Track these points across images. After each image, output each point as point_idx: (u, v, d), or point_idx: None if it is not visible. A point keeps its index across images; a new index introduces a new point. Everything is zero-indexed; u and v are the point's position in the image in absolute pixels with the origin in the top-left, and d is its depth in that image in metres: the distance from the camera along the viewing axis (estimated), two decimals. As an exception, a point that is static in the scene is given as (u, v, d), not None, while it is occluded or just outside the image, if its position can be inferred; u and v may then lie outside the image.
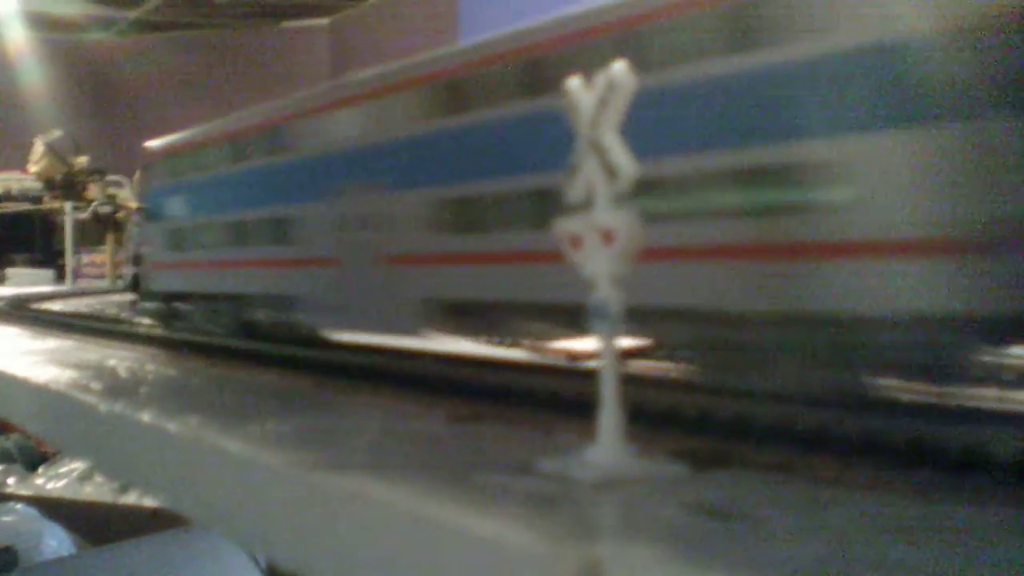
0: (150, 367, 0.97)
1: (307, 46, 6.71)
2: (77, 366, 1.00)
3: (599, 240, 0.47)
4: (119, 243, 4.41)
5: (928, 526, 0.38)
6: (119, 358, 1.07)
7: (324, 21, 6.72)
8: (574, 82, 0.50)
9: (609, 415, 0.47)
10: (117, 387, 0.82)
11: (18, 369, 0.98)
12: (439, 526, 0.42)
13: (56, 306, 2.16)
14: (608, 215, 0.47)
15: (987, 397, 0.58)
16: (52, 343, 1.32)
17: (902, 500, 0.41)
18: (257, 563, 2.33)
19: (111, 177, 4.79)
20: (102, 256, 4.40)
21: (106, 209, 4.45)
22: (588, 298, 0.48)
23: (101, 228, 4.44)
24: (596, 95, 0.49)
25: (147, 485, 0.72)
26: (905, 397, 0.56)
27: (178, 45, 6.81)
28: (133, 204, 4.53)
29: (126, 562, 2.28)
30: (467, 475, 0.48)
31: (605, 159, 0.48)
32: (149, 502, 2.80)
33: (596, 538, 0.37)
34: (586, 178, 0.49)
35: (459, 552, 0.41)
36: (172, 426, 0.65)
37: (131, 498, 2.89)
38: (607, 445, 0.47)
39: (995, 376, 0.64)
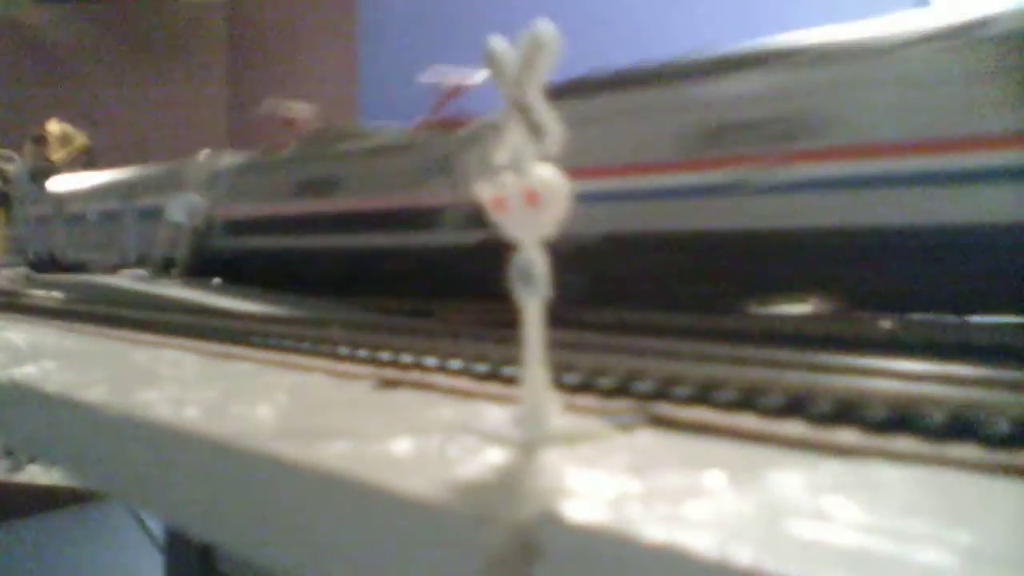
0: (50, 339, 0.95)
1: (204, 23, 6.61)
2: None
3: (524, 202, 0.47)
4: (8, 220, 4.31)
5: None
6: (16, 330, 1.04)
7: (221, -2, 6.62)
8: (496, 40, 0.49)
9: (534, 376, 0.47)
10: (18, 358, 0.80)
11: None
12: (361, 489, 0.41)
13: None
14: (533, 177, 0.47)
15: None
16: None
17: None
18: (154, 538, 2.31)
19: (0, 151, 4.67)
20: (-3, 231, 4.30)
21: (-10, 185, 4.34)
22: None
23: (-9, 203, 4.33)
24: (520, 53, 0.48)
25: (59, 459, 0.70)
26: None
27: (72, 15, 6.66)
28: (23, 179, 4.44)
29: (20, 541, 2.25)
30: (390, 439, 0.47)
31: (530, 119, 0.47)
32: (43, 480, 2.76)
33: (527, 501, 0.37)
34: (511, 139, 0.48)
35: (382, 516, 0.40)
36: (79, 395, 0.63)
37: (25, 476, 2.85)
38: (532, 407, 0.47)
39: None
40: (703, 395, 0.51)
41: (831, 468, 0.40)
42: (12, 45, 6.59)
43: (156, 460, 0.55)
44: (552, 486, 0.39)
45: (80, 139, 4.57)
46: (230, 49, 6.54)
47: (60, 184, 2.48)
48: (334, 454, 0.45)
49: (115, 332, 0.95)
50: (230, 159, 1.63)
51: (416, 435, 0.48)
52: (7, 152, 4.72)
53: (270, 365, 0.73)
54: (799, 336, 0.74)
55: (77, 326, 1.03)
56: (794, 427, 0.45)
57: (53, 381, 0.68)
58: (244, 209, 1.54)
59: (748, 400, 0.49)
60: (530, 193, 0.46)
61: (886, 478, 0.38)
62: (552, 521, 0.34)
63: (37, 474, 2.83)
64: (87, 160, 4.53)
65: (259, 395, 0.60)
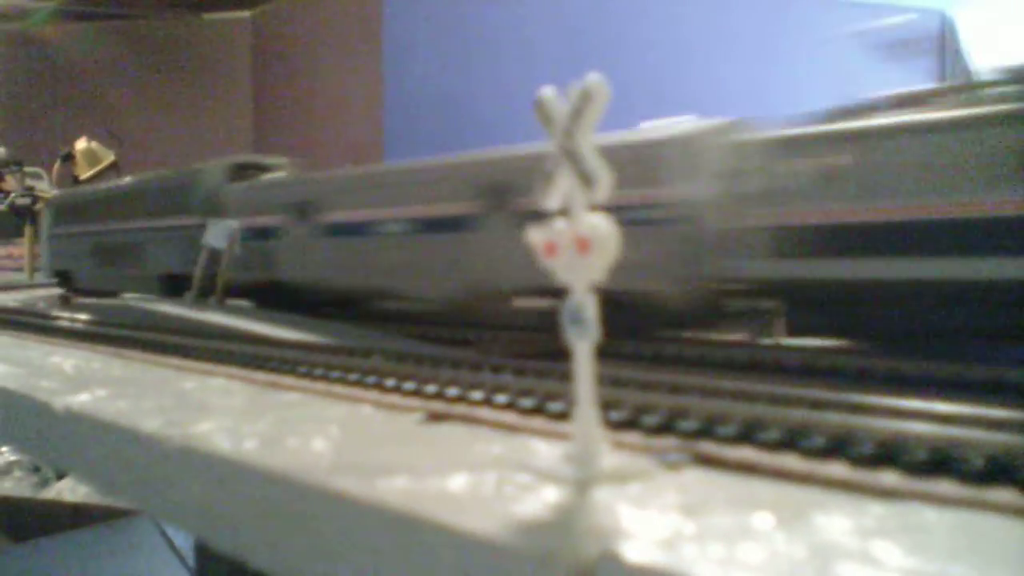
0: (96, 365, 0.97)
1: (229, 39, 6.65)
2: (23, 364, 0.99)
3: (574, 248, 0.48)
4: (37, 236, 4.35)
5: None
6: (61, 355, 1.06)
7: (245, 14, 6.66)
8: (547, 91, 0.51)
9: (585, 415, 0.48)
10: (69, 386, 0.82)
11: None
12: (423, 527, 0.43)
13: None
14: (584, 223, 0.48)
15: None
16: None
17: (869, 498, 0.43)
18: (181, 557, 2.32)
19: (29, 168, 4.71)
20: (19, 249, 4.34)
21: (24, 201, 4.39)
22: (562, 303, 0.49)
23: (19, 220, 4.38)
24: (570, 104, 0.50)
25: (115, 488, 0.71)
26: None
27: (101, 34, 6.70)
28: (50, 195, 4.48)
29: (48, 558, 2.26)
30: (446, 475, 0.49)
31: (580, 168, 0.49)
32: (70, 497, 2.78)
33: (586, 541, 0.38)
34: (561, 186, 0.50)
35: (443, 553, 0.42)
36: (137, 426, 0.65)
37: (51, 493, 2.87)
38: (583, 446, 0.48)
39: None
40: (747, 434, 0.53)
41: (875, 511, 0.41)
42: (37, 63, 6.64)
43: (217, 491, 0.56)
44: (609, 526, 0.40)
45: (108, 157, 4.62)
46: (255, 65, 6.58)
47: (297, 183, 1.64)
48: (394, 490, 0.47)
49: (161, 359, 0.97)
50: (778, 127, 0.97)
51: (470, 471, 0.50)
52: (36, 170, 4.77)
53: (318, 396, 0.74)
54: (837, 372, 0.75)
55: (123, 352, 1.04)
56: (837, 468, 0.47)
57: (107, 410, 0.70)
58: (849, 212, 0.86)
59: (791, 440, 0.51)
60: (580, 240, 0.48)
61: (928, 521, 0.40)
62: (612, 562, 0.36)
63: (64, 491, 2.85)
64: (116, 176, 4.57)
65: (312, 427, 0.62)
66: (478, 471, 0.50)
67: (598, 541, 0.38)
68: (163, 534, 2.37)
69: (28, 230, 4.28)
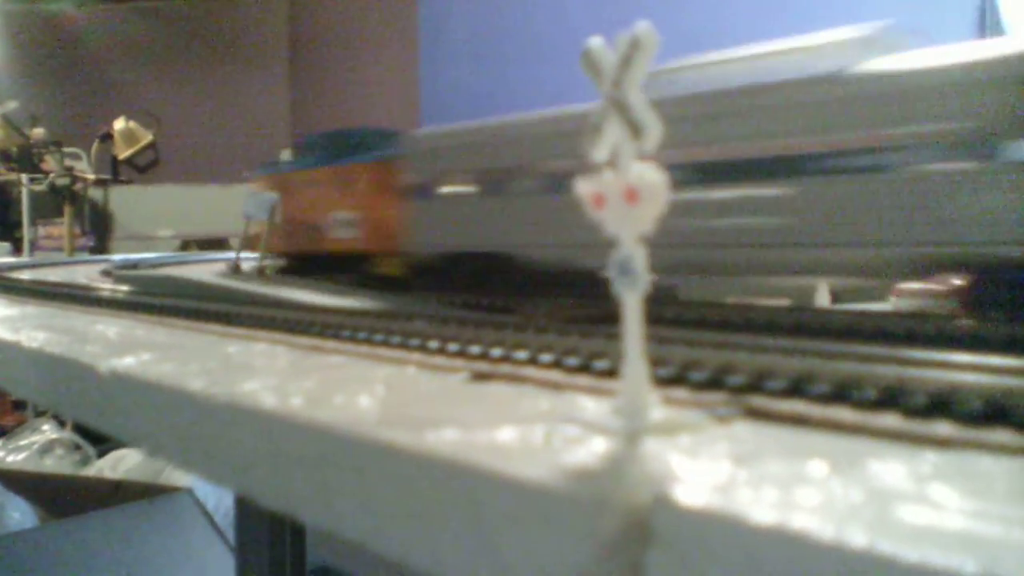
0: (140, 332, 0.97)
1: (265, 19, 6.66)
2: (66, 331, 1.00)
3: (623, 199, 0.48)
4: (77, 215, 4.40)
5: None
6: (105, 323, 1.07)
7: (283, -5, 6.67)
8: (595, 40, 0.51)
9: (634, 368, 0.48)
10: (113, 350, 0.82)
11: (6, 335, 0.98)
12: (474, 475, 0.43)
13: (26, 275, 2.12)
14: (632, 174, 0.48)
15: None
16: (32, 310, 1.31)
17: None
18: (221, 533, 2.34)
19: (68, 149, 4.75)
20: (59, 228, 4.38)
21: (63, 181, 4.43)
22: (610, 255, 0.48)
23: (58, 200, 4.42)
24: (619, 53, 0.49)
25: (161, 448, 0.71)
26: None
27: (136, 16, 6.73)
28: (90, 176, 4.52)
29: (90, 534, 2.28)
30: (494, 428, 0.49)
31: (629, 117, 0.49)
32: (111, 474, 2.81)
33: (639, 487, 0.38)
34: (609, 137, 0.49)
35: (494, 502, 0.42)
36: (182, 385, 0.65)
37: (92, 470, 2.90)
38: (632, 399, 0.48)
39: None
40: (797, 388, 0.52)
41: (931, 459, 0.41)
42: (74, 46, 6.68)
43: (265, 447, 0.56)
44: (661, 473, 0.40)
45: (146, 136, 4.66)
46: (291, 48, 6.59)
47: None
48: (443, 442, 0.46)
49: (204, 326, 0.97)
50: None
51: (519, 424, 0.49)
52: (75, 150, 4.81)
53: (362, 358, 0.75)
54: (881, 332, 0.75)
55: (165, 320, 1.05)
56: (890, 419, 0.46)
57: (152, 372, 0.71)
58: None
59: (842, 393, 0.50)
60: (629, 190, 0.48)
61: (987, 468, 0.39)
62: (666, 505, 0.36)
63: (104, 468, 2.88)
64: (154, 156, 4.61)
65: (357, 386, 0.62)
66: (527, 424, 0.50)
67: (651, 486, 0.37)
68: (204, 511, 2.39)
69: (67, 210, 4.32)
